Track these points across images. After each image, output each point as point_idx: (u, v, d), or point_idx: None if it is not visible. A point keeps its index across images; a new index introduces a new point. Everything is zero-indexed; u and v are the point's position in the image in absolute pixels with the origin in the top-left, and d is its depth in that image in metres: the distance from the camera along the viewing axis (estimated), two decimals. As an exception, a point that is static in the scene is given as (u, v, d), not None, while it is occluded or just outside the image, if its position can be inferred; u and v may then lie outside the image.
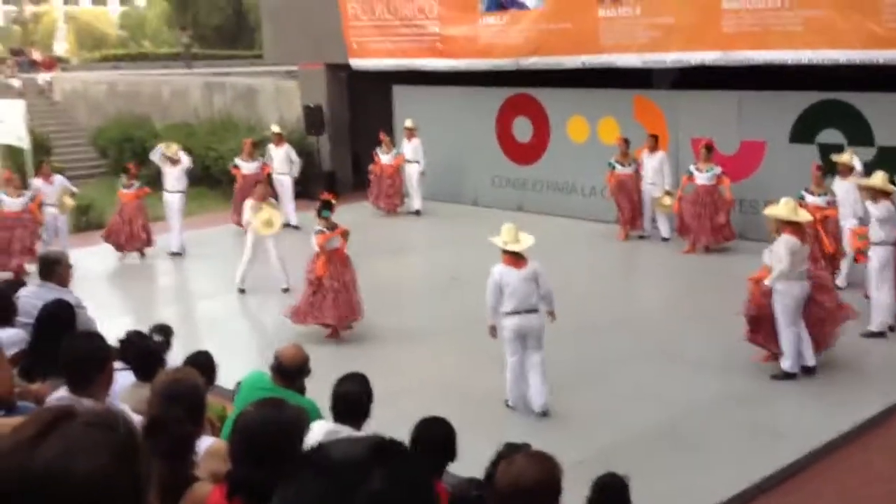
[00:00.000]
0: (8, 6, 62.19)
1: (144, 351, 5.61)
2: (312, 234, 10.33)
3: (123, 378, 5.17)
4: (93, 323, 6.14)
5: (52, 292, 6.14)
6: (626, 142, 14.46)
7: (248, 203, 12.20)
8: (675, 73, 16.00)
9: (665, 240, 14.30)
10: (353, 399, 4.65)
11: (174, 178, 14.93)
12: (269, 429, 3.14)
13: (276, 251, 12.18)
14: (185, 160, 15.10)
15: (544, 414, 7.95)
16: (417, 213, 17.29)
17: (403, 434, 4.63)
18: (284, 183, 16.66)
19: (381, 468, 1.18)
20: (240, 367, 7.01)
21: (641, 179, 14.36)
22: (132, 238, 14.43)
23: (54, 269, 6.53)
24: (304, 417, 3.46)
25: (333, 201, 10.56)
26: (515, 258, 7.86)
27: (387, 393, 4.85)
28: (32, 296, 6.12)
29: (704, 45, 13.84)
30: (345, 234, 10.32)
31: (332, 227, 10.23)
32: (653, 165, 14.24)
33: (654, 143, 14.32)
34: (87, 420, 1.27)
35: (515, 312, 7.82)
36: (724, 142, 14.29)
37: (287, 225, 16.48)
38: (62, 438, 1.23)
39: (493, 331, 8.12)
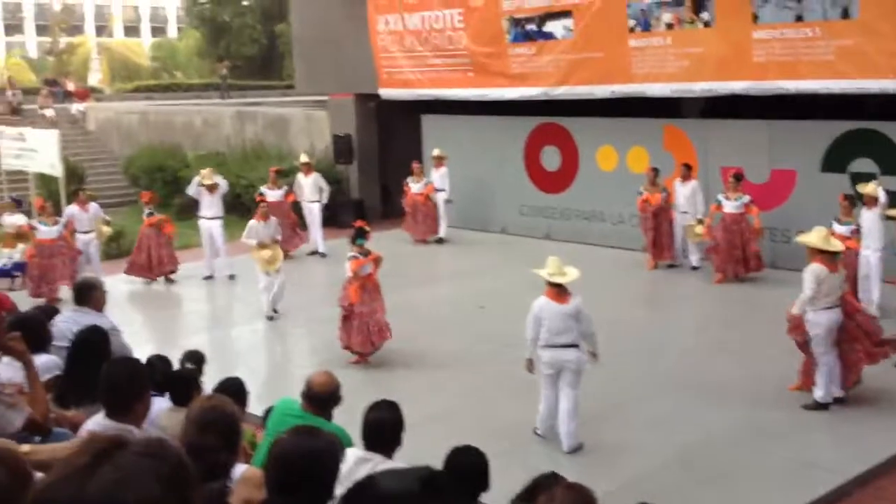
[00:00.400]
0: (42, 37, 63.47)
1: (176, 376, 5.65)
2: (346, 260, 10.40)
3: (156, 403, 5.21)
4: (127, 348, 6.20)
5: (87, 317, 6.21)
6: (656, 171, 14.43)
7: (251, 224, 12.65)
8: (704, 102, 15.99)
9: (695, 269, 14.22)
10: (384, 427, 4.62)
11: (213, 204, 15.08)
12: (304, 457, 3.13)
13: (282, 279, 12.50)
14: (223, 183, 15.29)
15: (573, 452, 7.85)
16: (440, 241, 17.32)
17: (433, 462, 4.63)
18: (314, 210, 16.80)
19: (436, 501, 1.18)
20: (269, 393, 7.06)
21: (672, 209, 14.29)
22: (157, 264, 14.61)
23: (90, 294, 6.61)
24: (339, 445, 3.46)
25: (367, 228, 10.68)
26: (558, 292, 7.78)
27: (414, 420, 4.83)
28: (69, 321, 6.18)
29: (735, 75, 13.81)
30: (377, 261, 10.40)
31: (366, 253, 10.33)
32: (685, 194, 14.18)
33: (687, 172, 14.27)
34: (138, 450, 1.28)
35: (551, 346, 7.75)
36: (755, 171, 14.23)
37: (315, 252, 16.64)
38: (114, 467, 1.24)
39: (531, 364, 8.00)
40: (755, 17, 13.42)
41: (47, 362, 5.35)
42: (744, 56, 13.63)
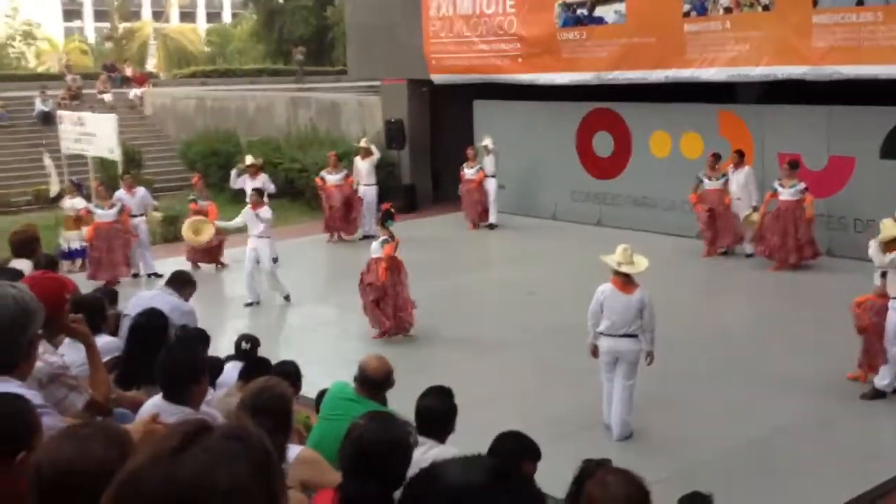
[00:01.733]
0: (101, 23, 64.56)
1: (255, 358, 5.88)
2: (378, 243, 10.63)
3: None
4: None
5: (170, 298, 6.43)
6: (716, 156, 14.24)
7: (244, 211, 12.75)
8: (760, 87, 15.73)
9: (749, 256, 14.03)
10: (438, 413, 4.67)
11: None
12: (380, 442, 3.20)
13: (269, 265, 12.68)
14: (267, 182, 15.30)
15: (623, 439, 7.82)
16: (491, 226, 17.33)
17: (480, 447, 4.66)
18: (369, 194, 16.92)
19: (506, 494, 1.19)
20: (320, 376, 7.15)
21: (729, 195, 14.09)
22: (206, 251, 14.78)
23: (185, 283, 6.85)
24: (412, 431, 3.52)
25: (393, 210, 11.10)
26: (625, 281, 7.68)
27: (461, 404, 4.86)
28: (152, 298, 6.43)
29: (793, 60, 13.56)
30: (397, 245, 10.72)
31: (392, 236, 10.62)
32: (738, 181, 13.99)
33: (740, 159, 14.07)
34: (225, 433, 1.32)
35: (609, 334, 7.70)
36: (812, 157, 13.98)
37: (366, 237, 16.76)
38: (203, 450, 1.26)
39: (595, 350, 7.91)
40: (815, 2, 13.17)
41: (108, 344, 5.50)
42: (803, 40, 13.38)
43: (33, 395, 2.75)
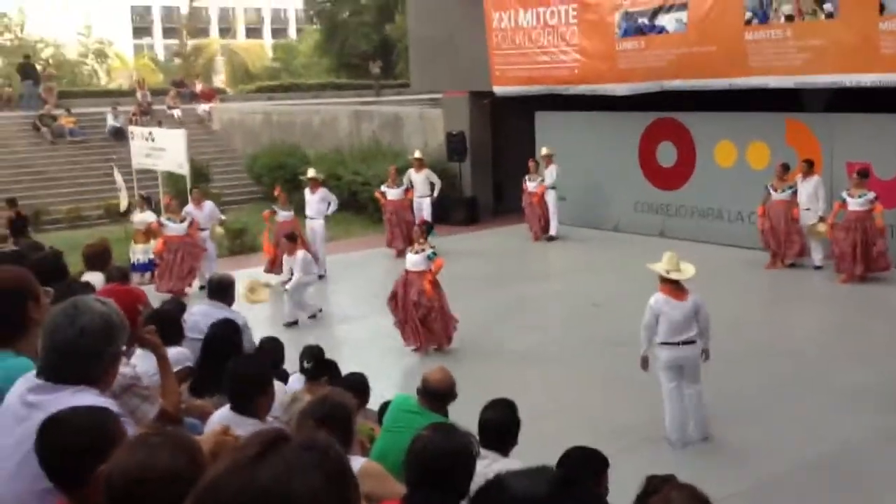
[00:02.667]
0: (169, 39, 66.09)
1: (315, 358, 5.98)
2: (423, 257, 10.61)
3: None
4: (253, 343, 6.48)
5: (221, 311, 6.52)
6: (785, 166, 13.99)
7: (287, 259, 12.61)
8: (828, 95, 15.42)
9: (818, 268, 13.75)
10: (501, 425, 4.68)
11: (312, 203, 15.34)
12: (445, 454, 3.23)
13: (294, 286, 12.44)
14: (330, 197, 15.43)
15: (705, 439, 7.83)
16: (551, 238, 17.26)
17: (543, 460, 4.66)
18: (423, 206, 17.01)
19: None
20: (381, 389, 7.20)
21: (798, 206, 13.82)
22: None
23: (226, 290, 6.93)
24: (476, 443, 3.54)
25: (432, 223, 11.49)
26: (675, 288, 7.67)
27: (523, 417, 4.86)
28: (203, 314, 6.50)
29: (862, 67, 13.28)
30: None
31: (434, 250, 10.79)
32: (807, 191, 13.72)
33: (809, 168, 13.81)
34: (303, 444, 1.36)
35: (671, 343, 7.66)
36: (883, 166, 13.66)
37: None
38: (281, 459, 1.31)
39: (645, 362, 7.91)
40: (882, 8, 12.87)
41: (178, 354, 5.63)
42: (871, 47, 13.09)
43: (110, 404, 2.83)
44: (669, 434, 7.86)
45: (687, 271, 7.72)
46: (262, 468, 1.30)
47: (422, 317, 10.55)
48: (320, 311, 12.80)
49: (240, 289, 11.82)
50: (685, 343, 7.65)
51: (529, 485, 1.25)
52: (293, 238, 12.80)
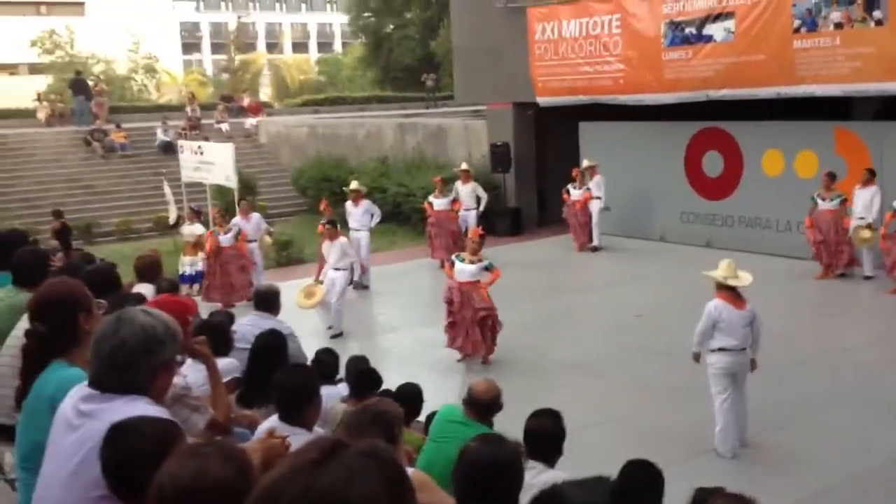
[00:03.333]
0: (218, 55, 67.10)
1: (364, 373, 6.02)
2: (478, 268, 10.71)
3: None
4: (303, 353, 6.55)
5: (268, 322, 6.60)
6: (832, 176, 13.79)
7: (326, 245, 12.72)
8: (877, 103, 15.18)
9: (868, 278, 13.51)
10: (547, 435, 4.68)
11: (356, 215, 15.38)
12: (493, 464, 3.24)
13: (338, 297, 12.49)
14: (373, 208, 15.47)
15: (743, 445, 7.83)
16: (595, 249, 17.18)
17: (589, 471, 4.64)
18: (469, 219, 17.01)
19: None
20: (427, 399, 7.21)
21: (847, 215, 13.60)
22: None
23: (272, 300, 7.02)
24: (523, 454, 3.54)
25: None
26: (733, 295, 7.69)
27: (569, 427, 4.85)
28: (250, 325, 6.59)
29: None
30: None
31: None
32: (864, 200, 13.48)
33: (871, 177, 13.57)
34: (362, 451, 1.38)
35: (728, 350, 7.66)
36: (935, 175, 13.41)
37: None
38: (340, 464, 1.33)
39: (698, 357, 8.00)
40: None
41: (228, 365, 5.71)
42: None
43: (164, 414, 2.88)
44: (719, 444, 7.79)
45: (745, 279, 7.73)
46: (320, 473, 1.32)
47: (481, 318, 10.53)
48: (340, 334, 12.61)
49: (294, 296, 12.03)
50: (741, 350, 7.66)
51: (587, 496, 1.26)
52: (335, 224, 12.91)
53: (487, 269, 10.68)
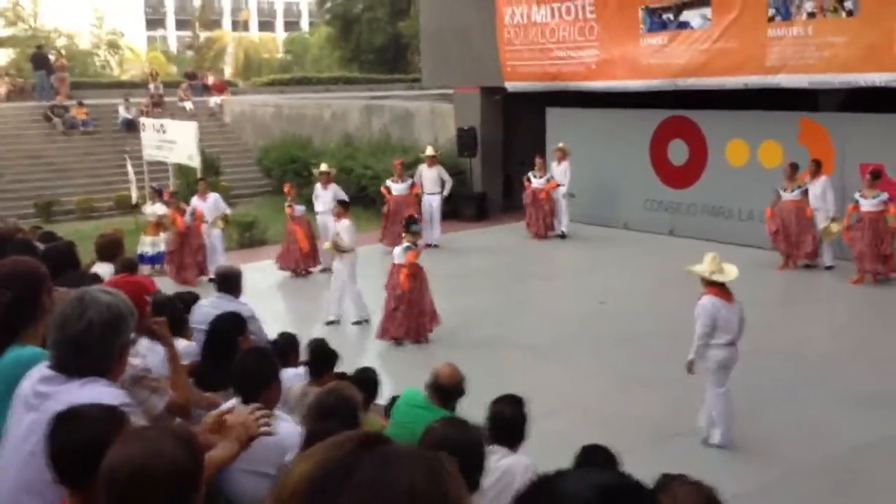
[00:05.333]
0: (182, 32, 66.21)
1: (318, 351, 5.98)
2: (401, 250, 10.88)
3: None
4: (264, 335, 6.47)
5: (230, 303, 6.52)
6: (794, 166, 13.93)
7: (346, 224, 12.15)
8: (842, 94, 15.34)
9: (829, 268, 13.69)
10: (510, 420, 4.68)
11: (325, 198, 15.15)
12: (456, 447, 3.22)
13: (341, 282, 12.13)
14: (339, 191, 15.11)
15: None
16: (563, 235, 17.22)
17: (552, 456, 4.64)
18: (433, 203, 16.95)
19: None
20: (387, 384, 7.19)
21: (808, 206, 13.76)
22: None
23: (233, 282, 6.94)
24: (485, 437, 3.54)
25: (417, 217, 11.89)
26: (723, 290, 7.61)
27: (532, 413, 4.85)
28: (211, 306, 6.50)
29: (878, 67, 13.22)
30: (419, 251, 11.04)
31: (416, 243, 10.94)
32: (815, 192, 13.67)
33: (817, 168, 13.76)
34: (402, 448, 1.34)
35: (725, 345, 7.60)
36: (896, 167, 13.59)
37: (428, 245, 16.77)
38: (379, 457, 1.29)
39: (692, 366, 7.77)
40: (902, 6, 12.81)
41: (186, 348, 5.63)
42: (888, 47, 13.03)
43: (122, 395, 2.84)
44: (718, 436, 7.74)
45: (731, 272, 7.63)
46: (360, 465, 1.28)
47: (393, 307, 10.80)
48: (366, 320, 12.12)
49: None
50: (732, 343, 7.65)
51: (576, 489, 1.22)
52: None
53: (405, 250, 10.85)
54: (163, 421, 3.62)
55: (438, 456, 1.33)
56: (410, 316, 10.81)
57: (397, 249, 11.04)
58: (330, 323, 11.98)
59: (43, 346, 3.12)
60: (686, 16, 15.74)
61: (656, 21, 16.25)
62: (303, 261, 14.94)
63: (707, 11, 15.42)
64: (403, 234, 11.19)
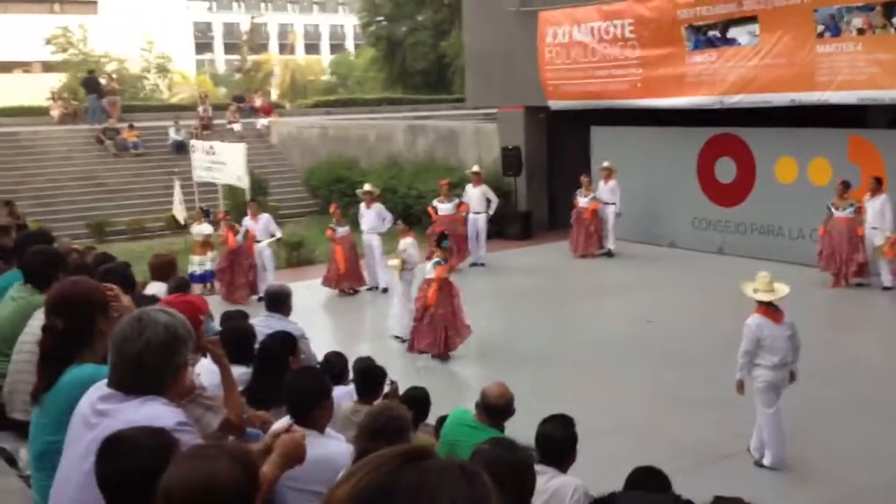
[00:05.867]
0: (230, 55, 67.26)
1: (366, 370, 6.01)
2: (431, 265, 11.09)
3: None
4: (313, 355, 6.52)
5: (279, 322, 6.59)
6: (845, 184, 13.73)
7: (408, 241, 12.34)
8: (892, 111, 15.11)
9: (887, 289, 13.41)
10: (558, 441, 4.65)
11: (368, 217, 15.28)
12: (506, 468, 3.23)
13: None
14: (384, 211, 15.29)
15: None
16: (610, 254, 17.13)
17: (600, 477, 4.61)
18: (479, 222, 16.96)
19: None
20: (436, 402, 7.19)
21: (861, 224, 13.53)
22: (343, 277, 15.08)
23: (283, 301, 7.01)
24: (534, 458, 3.53)
25: (447, 233, 12.06)
26: (772, 310, 7.53)
27: (581, 433, 4.82)
28: (262, 325, 6.57)
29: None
30: (452, 268, 11.43)
31: (446, 258, 11.22)
32: (874, 208, 13.43)
33: (877, 186, 13.52)
34: (442, 459, 1.36)
35: (773, 367, 7.51)
36: (950, 184, 13.34)
37: (475, 264, 16.81)
38: (422, 470, 1.31)
39: (742, 386, 7.71)
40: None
41: (243, 375, 5.67)
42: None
43: (179, 413, 2.88)
44: (770, 457, 7.64)
45: (781, 291, 7.55)
46: (404, 474, 1.30)
47: (418, 318, 11.06)
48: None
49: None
50: (783, 365, 7.54)
51: None
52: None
53: (435, 265, 11.09)
54: (217, 439, 3.66)
55: (479, 471, 1.35)
56: (436, 329, 10.99)
57: (428, 265, 11.26)
58: (397, 338, 12.11)
59: (103, 363, 3.16)
60: (733, 32, 15.63)
61: (702, 39, 16.15)
62: (345, 280, 15.00)
63: (755, 28, 15.29)
64: (434, 250, 11.44)
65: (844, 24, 13.96)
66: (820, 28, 14.29)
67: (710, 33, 16.00)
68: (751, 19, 15.30)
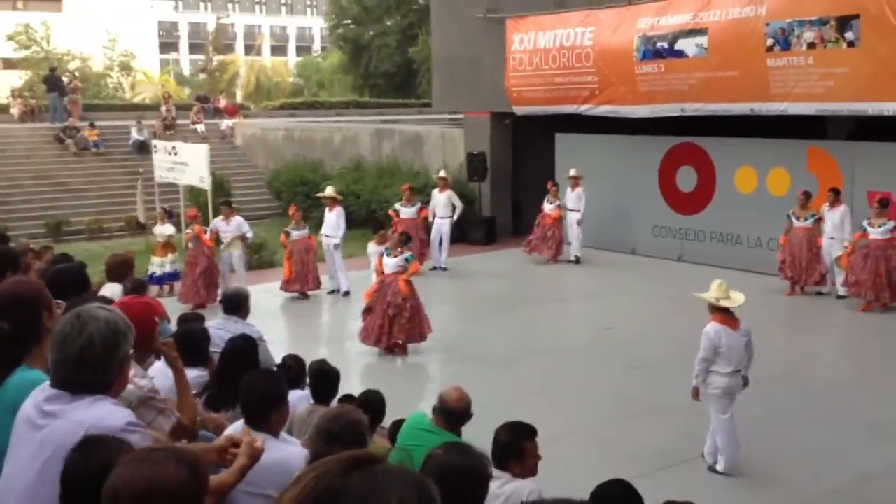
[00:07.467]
0: (195, 55, 66.70)
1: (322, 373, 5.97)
2: (401, 259, 11.42)
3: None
4: (272, 358, 6.48)
5: (237, 325, 6.54)
6: (807, 194, 13.93)
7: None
8: (850, 123, 15.38)
9: (841, 297, 13.63)
10: (513, 448, 4.65)
11: (328, 221, 15.22)
12: (459, 472, 3.22)
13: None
14: (341, 214, 15.26)
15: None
16: (577, 260, 17.22)
17: (556, 482, 4.63)
18: (443, 227, 16.98)
19: None
20: (392, 406, 7.18)
21: (820, 234, 13.75)
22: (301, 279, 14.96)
23: (241, 304, 6.95)
24: (489, 464, 3.52)
25: (410, 234, 12.83)
26: (728, 317, 7.59)
27: (539, 438, 4.82)
28: (219, 327, 6.51)
29: (885, 96, 13.24)
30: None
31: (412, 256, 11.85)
32: (833, 220, 13.64)
33: (836, 197, 13.73)
34: (390, 465, 1.36)
35: (727, 374, 7.56)
36: (905, 196, 13.58)
37: (436, 268, 16.82)
38: (370, 476, 1.31)
39: (698, 393, 7.78)
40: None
41: (197, 378, 5.62)
42: (891, 77, 13.07)
43: (129, 414, 2.86)
44: (724, 462, 7.69)
45: (737, 299, 7.62)
46: (351, 478, 1.30)
47: (392, 315, 11.16)
48: None
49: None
50: (738, 371, 7.60)
51: None
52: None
53: (407, 260, 11.49)
54: (168, 442, 3.63)
55: (425, 479, 1.35)
56: (414, 322, 11.25)
57: (394, 260, 11.42)
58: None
59: (47, 368, 3.13)
60: (681, 44, 15.81)
61: (650, 49, 16.33)
62: (295, 283, 14.82)
63: (702, 40, 15.48)
64: (402, 249, 11.64)
65: (795, 38, 14.16)
66: (769, 42, 14.48)
67: (659, 44, 16.17)
68: (701, 31, 15.48)
